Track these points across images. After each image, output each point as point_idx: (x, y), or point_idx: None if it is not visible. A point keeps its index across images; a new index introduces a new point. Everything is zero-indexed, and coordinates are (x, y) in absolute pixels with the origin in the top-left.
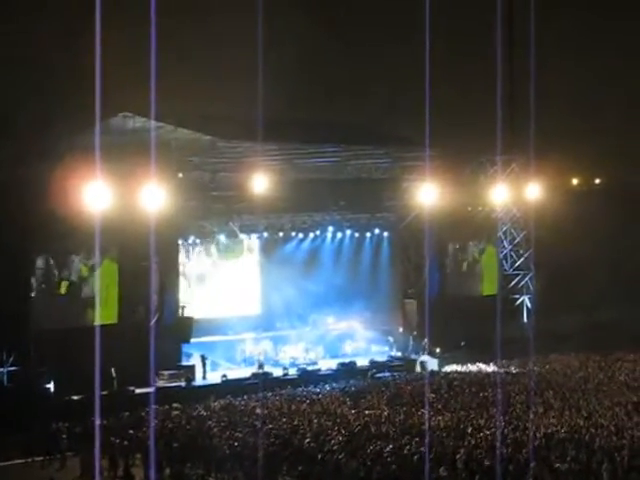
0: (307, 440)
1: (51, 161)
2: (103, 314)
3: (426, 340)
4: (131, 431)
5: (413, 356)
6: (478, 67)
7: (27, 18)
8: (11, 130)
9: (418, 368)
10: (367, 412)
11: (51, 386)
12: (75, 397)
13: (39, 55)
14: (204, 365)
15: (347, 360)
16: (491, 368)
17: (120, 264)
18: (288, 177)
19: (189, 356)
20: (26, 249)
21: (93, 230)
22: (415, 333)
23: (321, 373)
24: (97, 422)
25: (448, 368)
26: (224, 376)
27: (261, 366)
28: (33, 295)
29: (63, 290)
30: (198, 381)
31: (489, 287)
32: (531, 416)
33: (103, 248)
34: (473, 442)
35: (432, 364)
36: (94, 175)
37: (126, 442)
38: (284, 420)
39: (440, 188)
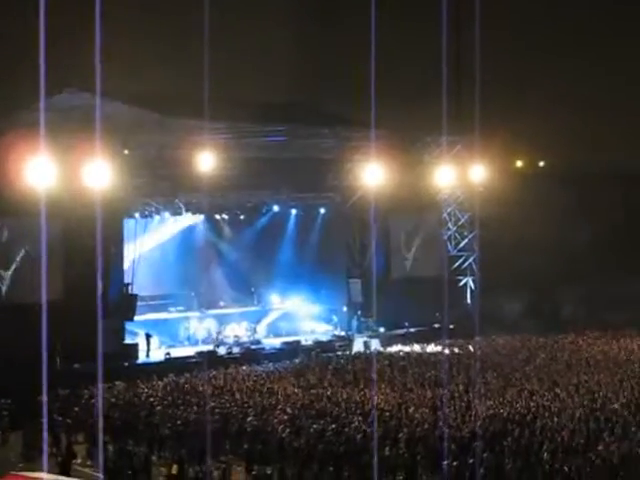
0: (251, 418)
1: None
2: (49, 291)
3: (370, 320)
4: (75, 408)
5: (357, 336)
6: (424, 46)
7: None
8: None
9: (362, 347)
10: (311, 391)
11: None
12: (16, 375)
13: None
14: (148, 343)
15: (291, 339)
16: (435, 348)
17: (65, 241)
18: (234, 155)
19: (133, 334)
20: None
21: (37, 207)
22: (359, 313)
23: (265, 352)
24: (43, 399)
25: (392, 348)
26: (168, 354)
27: (218, 345)
28: None
29: (10, 267)
30: (141, 359)
31: (430, 268)
32: (474, 396)
33: (48, 225)
34: (416, 422)
35: (376, 344)
36: (37, 152)
37: (69, 420)
38: (227, 398)
39: (385, 169)
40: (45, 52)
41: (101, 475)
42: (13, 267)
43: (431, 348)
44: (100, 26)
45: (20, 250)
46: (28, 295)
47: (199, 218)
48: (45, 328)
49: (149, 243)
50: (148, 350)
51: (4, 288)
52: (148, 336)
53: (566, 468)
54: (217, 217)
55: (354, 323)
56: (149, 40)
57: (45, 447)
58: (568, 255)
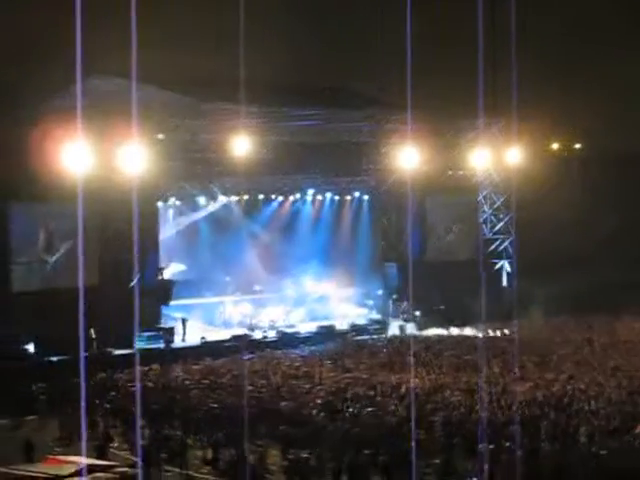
0: (286, 402)
1: (27, 125)
2: (86, 276)
3: (406, 303)
4: (112, 392)
5: (392, 319)
6: (459, 29)
7: None
8: None
9: (397, 331)
10: (346, 375)
11: (30, 347)
12: (54, 358)
13: (11, 16)
14: (184, 327)
15: (326, 323)
16: (470, 332)
17: (101, 226)
18: (269, 140)
19: (169, 318)
20: (5, 213)
21: (73, 193)
22: (395, 296)
23: (300, 336)
24: (80, 383)
25: (427, 332)
26: (203, 338)
27: (253, 329)
28: (13, 257)
29: (44, 252)
30: (177, 343)
31: (466, 252)
32: (510, 379)
33: (85, 211)
34: (452, 405)
35: (411, 327)
36: (73, 138)
37: (106, 403)
38: (263, 382)
39: (421, 152)
40: (80, 37)
41: (138, 459)
42: (58, 253)
43: (467, 331)
44: (135, 11)
45: (66, 236)
46: (69, 280)
47: (234, 202)
48: (82, 312)
49: (185, 227)
50: (184, 334)
51: (48, 272)
52: (184, 320)
53: (603, 451)
54: (252, 201)
55: (390, 307)
56: (183, 24)
57: (82, 431)
58: (605, 237)
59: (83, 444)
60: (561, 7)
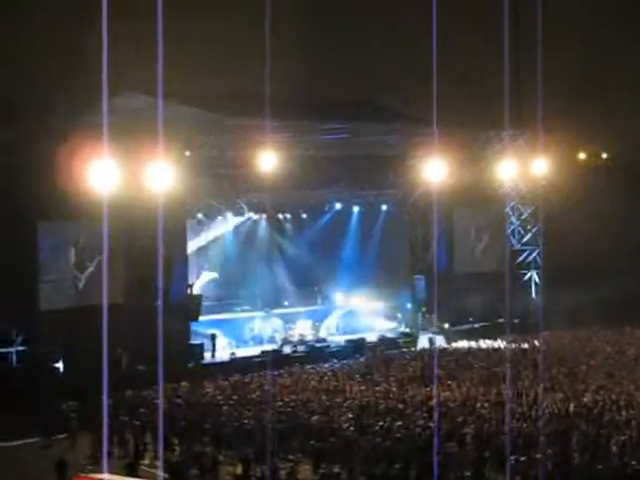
0: (317, 416)
1: (56, 142)
2: (114, 293)
3: (434, 316)
4: (141, 410)
5: (422, 332)
6: (484, 41)
7: None
8: (14, 112)
9: (427, 344)
10: (376, 388)
11: (60, 365)
12: (84, 376)
13: (41, 35)
14: (213, 343)
15: (356, 337)
16: (500, 344)
17: (127, 243)
18: (296, 154)
19: (198, 335)
20: (34, 230)
21: (100, 210)
22: (423, 309)
23: (330, 350)
24: (106, 401)
25: (456, 344)
26: (233, 354)
27: (283, 344)
28: (41, 275)
29: (71, 270)
30: (207, 359)
31: (493, 263)
32: (540, 391)
33: (110, 227)
34: (482, 418)
35: (440, 340)
36: (100, 154)
37: (136, 421)
38: (293, 397)
39: (447, 164)
40: (107, 54)
41: (165, 475)
42: (89, 270)
43: (496, 343)
44: (161, 28)
45: (96, 253)
46: (98, 297)
47: (261, 217)
48: (109, 330)
49: (212, 243)
50: (213, 350)
51: (79, 289)
52: (213, 336)
53: (634, 462)
54: (279, 216)
55: (418, 319)
56: (208, 40)
57: (108, 449)
58: (633, 247)
59: (105, 462)
60: (589, 15)
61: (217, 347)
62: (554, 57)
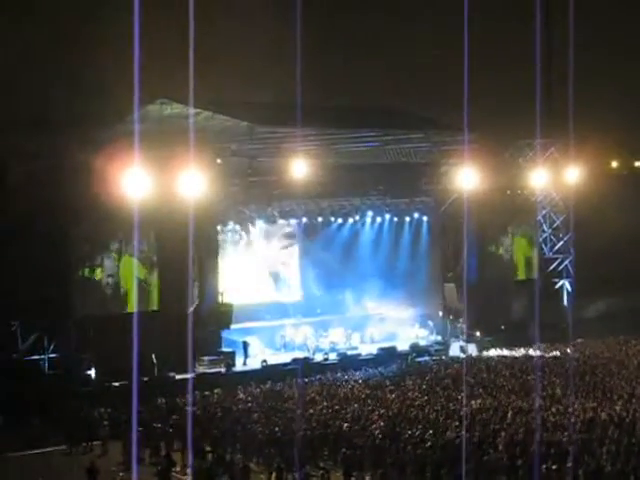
0: (348, 424)
1: (91, 150)
2: (143, 301)
3: (465, 324)
4: (174, 416)
5: (453, 340)
6: (516, 49)
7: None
8: (50, 121)
9: (458, 352)
10: (408, 396)
11: (92, 372)
12: (116, 383)
13: (74, 42)
14: (246, 351)
15: (387, 345)
16: (531, 352)
17: (160, 251)
18: (327, 162)
19: (230, 342)
20: (67, 236)
21: (133, 217)
22: (454, 317)
23: (361, 358)
24: (137, 408)
25: (488, 352)
26: (264, 361)
27: (314, 352)
28: (74, 281)
29: (104, 277)
30: (238, 367)
31: (525, 271)
32: (571, 400)
33: (143, 235)
34: (514, 426)
35: (472, 348)
36: (133, 163)
37: (168, 428)
38: (324, 405)
39: (479, 172)
40: (139, 64)
41: None
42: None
43: (527, 352)
44: (193, 37)
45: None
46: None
47: (292, 225)
48: (142, 338)
49: (244, 251)
50: (246, 358)
51: (112, 295)
52: (245, 344)
53: None
54: (310, 223)
55: (449, 327)
56: (237, 49)
57: (141, 456)
58: None
59: (135, 468)
60: (620, 24)
61: (250, 354)
62: (586, 65)
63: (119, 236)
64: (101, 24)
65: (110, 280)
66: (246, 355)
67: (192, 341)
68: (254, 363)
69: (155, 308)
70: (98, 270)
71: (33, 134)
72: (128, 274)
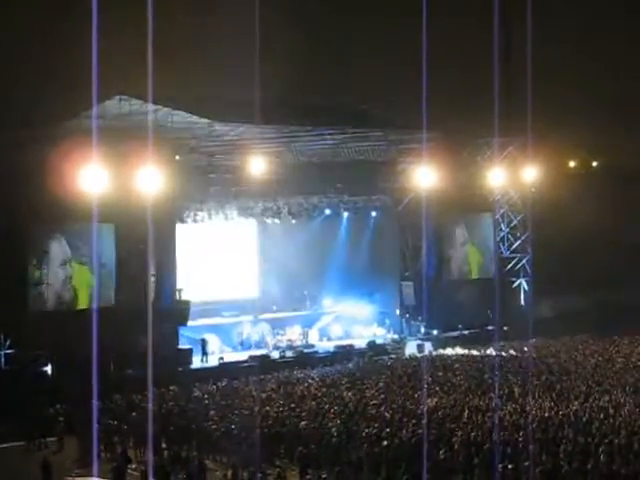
0: (305, 422)
1: (46, 146)
2: (102, 297)
3: (423, 323)
4: (133, 413)
5: (410, 339)
6: (474, 47)
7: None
8: (4, 117)
9: (415, 351)
10: (364, 394)
11: (48, 369)
12: (72, 380)
13: (30, 39)
14: (204, 348)
15: (344, 342)
16: (488, 351)
17: (118, 247)
18: (285, 160)
19: (187, 339)
20: (23, 233)
21: (90, 213)
22: (408, 315)
23: (318, 356)
24: (95, 404)
25: (445, 351)
26: (221, 359)
27: (271, 349)
28: (30, 278)
29: (60, 273)
30: (195, 364)
31: (483, 270)
32: (528, 399)
33: (100, 231)
34: (470, 424)
35: (429, 347)
36: (91, 159)
37: (123, 425)
38: (281, 402)
39: (437, 170)
40: (97, 60)
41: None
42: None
43: (485, 351)
44: (152, 32)
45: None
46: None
47: (251, 222)
48: (98, 334)
49: (201, 248)
50: (204, 355)
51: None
52: (204, 341)
53: (623, 471)
54: (268, 221)
55: (407, 326)
56: (197, 45)
57: (98, 452)
58: (622, 255)
59: (96, 465)
60: (579, 22)
61: (208, 352)
62: (543, 65)
63: (77, 233)
64: (57, 18)
65: (67, 277)
66: (204, 352)
67: (150, 338)
68: (211, 360)
69: (111, 304)
70: (53, 266)
71: None
72: (83, 271)
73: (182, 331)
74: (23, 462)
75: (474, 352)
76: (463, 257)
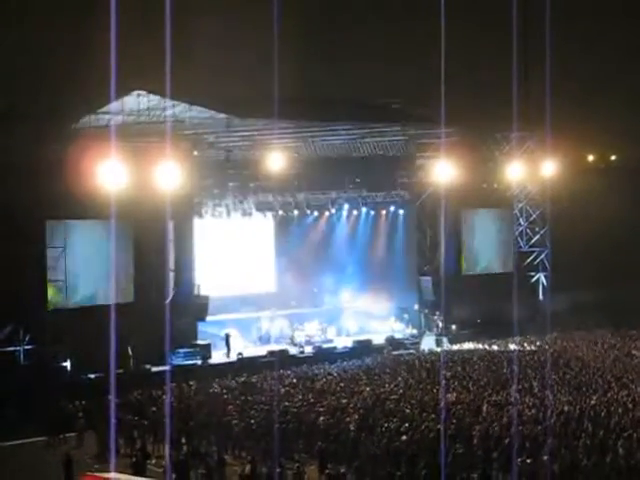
0: (323, 417)
1: (65, 142)
2: (121, 293)
3: (442, 317)
4: (153, 408)
5: (428, 333)
6: (493, 43)
7: None
8: (24, 113)
9: (434, 345)
10: (383, 389)
11: (67, 364)
12: (91, 375)
13: (49, 36)
14: (228, 343)
15: (363, 338)
16: (507, 346)
17: (136, 242)
18: (303, 155)
19: (207, 334)
20: (42, 229)
21: (109, 209)
22: (427, 310)
23: (337, 351)
24: (113, 400)
25: (464, 346)
26: (240, 354)
27: (290, 344)
28: (49, 274)
29: (78, 269)
30: (215, 359)
31: (502, 265)
32: (547, 393)
33: (119, 228)
34: (489, 419)
35: (447, 341)
36: (109, 154)
37: (143, 420)
38: (300, 397)
39: (455, 165)
40: (115, 56)
41: (173, 475)
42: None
43: (503, 345)
44: (170, 29)
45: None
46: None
47: (269, 218)
48: (117, 330)
49: (220, 244)
50: (228, 350)
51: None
52: (227, 336)
53: None
54: (287, 216)
55: (426, 321)
56: (215, 41)
57: (116, 448)
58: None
59: (113, 460)
60: (598, 17)
61: (232, 347)
62: (562, 59)
63: (97, 229)
64: (76, 14)
65: (83, 272)
66: (228, 347)
67: (169, 333)
68: (231, 356)
69: (131, 300)
70: (72, 261)
71: (5, 126)
72: (101, 267)
73: (203, 327)
74: (44, 458)
75: (493, 347)
76: (482, 252)
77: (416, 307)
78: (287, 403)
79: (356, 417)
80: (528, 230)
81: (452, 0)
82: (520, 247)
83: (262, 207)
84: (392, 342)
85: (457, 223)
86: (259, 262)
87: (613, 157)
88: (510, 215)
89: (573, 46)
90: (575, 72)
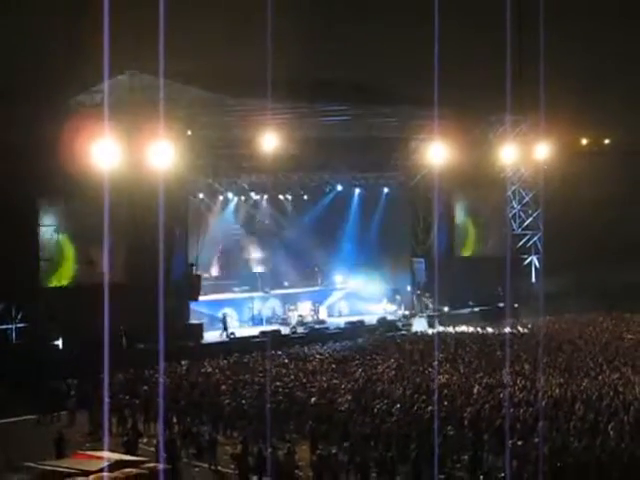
0: (315, 398)
1: (59, 121)
2: (114, 272)
3: (434, 299)
4: (144, 388)
5: (420, 315)
6: (487, 24)
7: None
8: (16, 92)
9: (426, 327)
10: (375, 371)
11: (60, 343)
12: (83, 354)
13: (41, 15)
14: (225, 323)
15: (355, 319)
16: (499, 328)
17: (130, 222)
18: (297, 135)
19: (204, 315)
20: (36, 208)
21: (102, 188)
22: (419, 292)
23: (329, 331)
24: (106, 379)
25: (456, 327)
26: (232, 334)
27: (282, 324)
28: (41, 252)
29: (70, 247)
30: (214, 338)
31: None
32: (539, 375)
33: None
34: (480, 401)
35: (439, 323)
36: (103, 133)
37: (135, 399)
38: (292, 378)
39: (449, 148)
40: (108, 34)
41: (164, 454)
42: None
43: (495, 327)
44: (164, 7)
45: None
46: (97, 276)
47: (263, 198)
48: (110, 309)
49: (213, 223)
50: (225, 330)
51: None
52: (224, 316)
53: (633, 448)
54: (280, 197)
55: (418, 302)
56: (210, 20)
57: (109, 426)
58: (634, 233)
59: (107, 439)
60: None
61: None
62: (556, 42)
63: (89, 208)
64: None
65: (75, 251)
66: (225, 327)
67: (163, 313)
68: (224, 336)
69: (125, 279)
70: (64, 240)
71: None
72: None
73: (198, 307)
74: (35, 436)
75: (485, 329)
76: (475, 234)
77: (408, 289)
78: (279, 383)
79: (348, 398)
80: (521, 213)
81: None
82: (513, 229)
83: (255, 187)
84: (384, 323)
85: (450, 205)
86: (252, 242)
87: (607, 141)
88: (503, 198)
89: (568, 27)
90: (570, 54)
